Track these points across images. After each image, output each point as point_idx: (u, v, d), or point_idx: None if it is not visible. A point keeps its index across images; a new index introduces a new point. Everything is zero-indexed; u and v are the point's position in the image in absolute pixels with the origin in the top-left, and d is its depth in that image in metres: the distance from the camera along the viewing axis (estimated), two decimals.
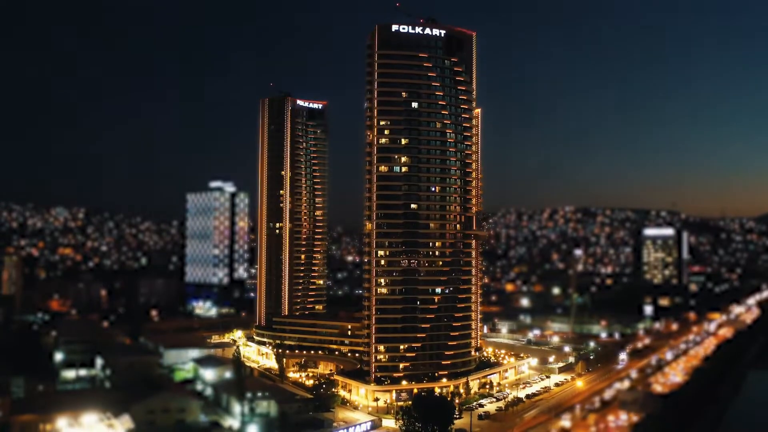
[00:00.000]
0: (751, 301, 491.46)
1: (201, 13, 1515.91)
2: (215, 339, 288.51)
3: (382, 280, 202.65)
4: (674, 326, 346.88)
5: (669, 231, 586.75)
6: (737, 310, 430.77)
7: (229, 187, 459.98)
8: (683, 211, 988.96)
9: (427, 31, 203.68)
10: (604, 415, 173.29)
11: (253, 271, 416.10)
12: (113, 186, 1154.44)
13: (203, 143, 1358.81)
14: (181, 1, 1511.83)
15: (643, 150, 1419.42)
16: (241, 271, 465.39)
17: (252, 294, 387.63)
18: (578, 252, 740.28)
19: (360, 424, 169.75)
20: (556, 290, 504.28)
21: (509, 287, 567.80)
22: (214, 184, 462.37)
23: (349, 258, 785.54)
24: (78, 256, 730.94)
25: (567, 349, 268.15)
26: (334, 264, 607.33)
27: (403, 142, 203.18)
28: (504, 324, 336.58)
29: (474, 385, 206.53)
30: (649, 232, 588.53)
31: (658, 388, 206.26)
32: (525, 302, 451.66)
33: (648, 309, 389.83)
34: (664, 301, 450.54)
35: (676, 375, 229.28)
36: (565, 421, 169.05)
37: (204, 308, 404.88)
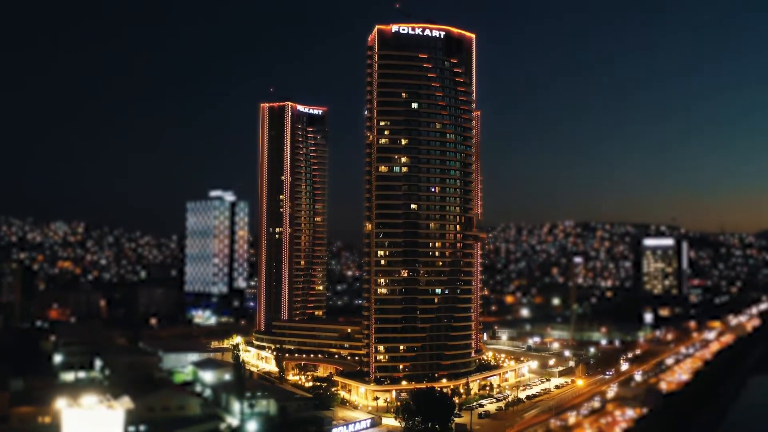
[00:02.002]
0: (752, 311, 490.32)
1: (200, 20, 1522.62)
2: (214, 345, 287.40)
3: (382, 280, 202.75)
4: (675, 334, 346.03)
5: (669, 241, 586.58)
6: (738, 319, 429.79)
7: (229, 196, 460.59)
8: (683, 226, 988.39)
9: (427, 32, 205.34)
10: (610, 411, 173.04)
11: (252, 283, 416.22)
12: (113, 197, 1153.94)
13: (203, 151, 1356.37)
14: (179, 10, 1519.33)
15: (643, 165, 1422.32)
16: (240, 281, 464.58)
17: (251, 303, 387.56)
18: (578, 260, 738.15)
19: (360, 422, 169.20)
20: (555, 301, 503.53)
21: (509, 299, 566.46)
22: (214, 193, 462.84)
23: (349, 273, 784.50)
24: (77, 270, 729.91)
25: (567, 354, 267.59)
26: (333, 277, 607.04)
27: (403, 142, 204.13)
28: (504, 331, 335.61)
29: (474, 387, 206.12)
30: (649, 242, 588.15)
31: (663, 385, 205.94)
32: (525, 312, 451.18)
33: (648, 317, 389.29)
34: (664, 312, 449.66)
35: (682, 374, 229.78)
36: (570, 417, 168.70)
37: (203, 317, 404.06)
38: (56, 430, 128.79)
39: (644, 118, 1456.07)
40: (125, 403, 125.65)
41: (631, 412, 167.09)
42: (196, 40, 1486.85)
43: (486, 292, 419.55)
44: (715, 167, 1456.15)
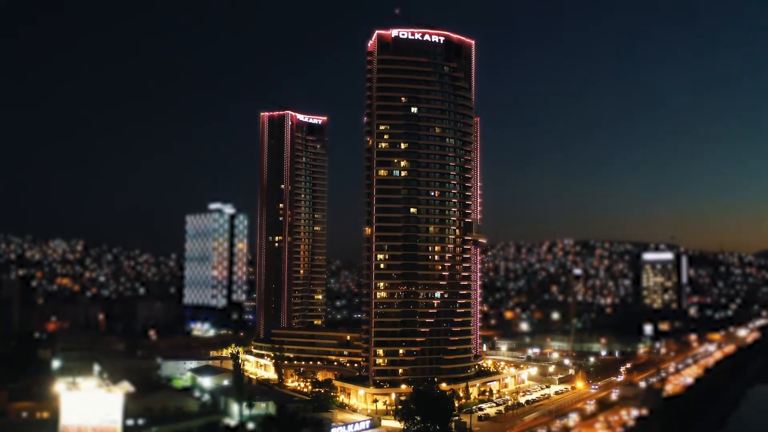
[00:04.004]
0: (751, 325, 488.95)
1: (199, 28, 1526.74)
2: (213, 354, 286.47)
3: (382, 284, 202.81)
4: (674, 346, 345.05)
5: (668, 255, 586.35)
6: (737, 332, 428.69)
7: (229, 209, 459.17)
8: (682, 244, 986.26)
9: (427, 37, 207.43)
10: (615, 411, 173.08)
11: (251, 296, 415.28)
12: (112, 214, 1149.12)
13: (203, 163, 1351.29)
14: (178, 19, 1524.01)
15: (642, 184, 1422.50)
16: (239, 294, 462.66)
17: (250, 316, 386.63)
18: (578, 271, 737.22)
19: (359, 422, 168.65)
20: (555, 316, 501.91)
21: (508, 314, 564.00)
22: (213, 206, 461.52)
23: (347, 291, 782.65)
24: (76, 287, 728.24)
25: (567, 362, 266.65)
26: (332, 293, 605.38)
27: (403, 146, 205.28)
28: (504, 343, 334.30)
29: (474, 392, 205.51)
30: (648, 256, 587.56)
31: (669, 388, 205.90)
32: (524, 327, 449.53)
33: (648, 329, 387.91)
34: (663, 326, 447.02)
35: (687, 377, 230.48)
36: (572, 419, 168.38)
37: (202, 330, 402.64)
38: (54, 425, 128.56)
39: (644, 137, 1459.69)
40: (124, 387, 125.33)
41: (636, 412, 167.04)
42: (195, 48, 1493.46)
43: (485, 308, 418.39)
44: (714, 187, 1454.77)
